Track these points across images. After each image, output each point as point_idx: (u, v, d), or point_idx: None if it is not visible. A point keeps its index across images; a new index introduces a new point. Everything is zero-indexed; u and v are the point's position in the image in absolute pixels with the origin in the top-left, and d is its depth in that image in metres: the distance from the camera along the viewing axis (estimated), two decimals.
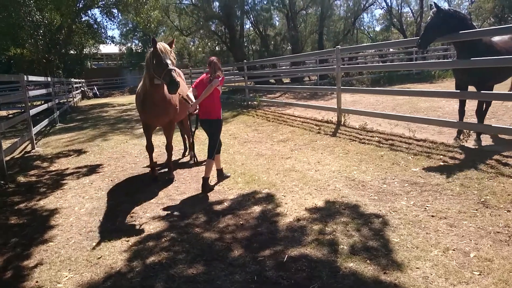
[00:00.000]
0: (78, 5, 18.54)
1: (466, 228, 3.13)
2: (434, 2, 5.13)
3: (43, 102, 16.20)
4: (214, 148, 4.78)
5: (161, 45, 4.56)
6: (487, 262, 2.63)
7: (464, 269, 2.59)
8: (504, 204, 3.47)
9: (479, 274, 2.51)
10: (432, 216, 3.40)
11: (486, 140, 5.50)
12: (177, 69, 4.75)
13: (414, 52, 17.75)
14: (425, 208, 3.57)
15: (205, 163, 4.91)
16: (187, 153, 6.77)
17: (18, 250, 3.51)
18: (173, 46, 4.78)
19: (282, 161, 5.71)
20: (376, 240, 3.07)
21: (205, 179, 4.74)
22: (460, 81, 5.57)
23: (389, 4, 37.11)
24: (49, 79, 13.18)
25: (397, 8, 38.19)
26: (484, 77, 5.16)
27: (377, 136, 6.41)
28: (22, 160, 7.37)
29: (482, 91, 5.18)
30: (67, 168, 6.51)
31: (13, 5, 13.78)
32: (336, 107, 7.89)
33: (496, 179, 4.03)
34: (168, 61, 4.42)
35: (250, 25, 29.25)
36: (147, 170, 5.93)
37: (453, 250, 2.82)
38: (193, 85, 4.97)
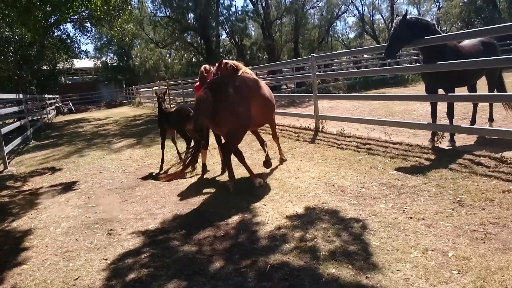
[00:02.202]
0: (49, 20, 18.22)
1: (443, 228, 3.18)
2: (396, 14, 5.30)
3: (15, 119, 15.76)
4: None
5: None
6: (465, 260, 2.68)
7: (443, 268, 2.63)
8: (478, 203, 3.55)
9: (458, 273, 2.55)
10: (411, 217, 3.45)
11: (460, 140, 5.64)
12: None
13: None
14: (404, 210, 3.63)
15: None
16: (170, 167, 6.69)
17: None
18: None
19: (261, 170, 5.70)
20: (357, 245, 3.09)
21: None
22: (429, 85, 5.74)
23: (361, 12, 38.11)
24: (21, 96, 12.85)
25: (369, 15, 39.24)
26: (450, 80, 5.33)
27: (354, 141, 6.50)
28: None
29: (451, 94, 5.35)
30: (42, 187, 6.32)
31: None
32: (313, 114, 7.97)
33: (470, 178, 4.13)
34: None
35: (226, 35, 29.48)
36: (126, 185, 5.82)
37: (432, 250, 2.87)
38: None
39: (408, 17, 5.30)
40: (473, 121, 6.28)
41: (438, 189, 4.00)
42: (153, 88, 23.09)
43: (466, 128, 5.48)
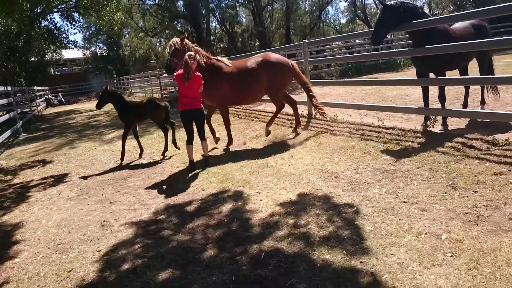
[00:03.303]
0: (36, 10, 17.84)
1: (436, 212, 3.19)
2: (379, 0, 5.28)
3: (4, 112, 15.53)
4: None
5: None
6: (458, 243, 2.69)
7: (436, 251, 2.64)
8: (471, 186, 3.56)
9: (451, 256, 2.57)
10: (404, 202, 3.46)
11: (452, 124, 5.65)
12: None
13: None
14: (397, 195, 3.63)
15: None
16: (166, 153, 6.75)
17: None
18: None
19: (255, 158, 5.67)
20: (351, 230, 3.09)
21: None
22: (419, 69, 5.73)
23: None
24: (9, 88, 12.62)
25: (360, 0, 38.88)
26: (439, 63, 5.31)
27: (347, 127, 6.48)
28: None
29: (442, 77, 5.34)
30: (33, 180, 6.25)
31: None
32: (306, 100, 7.91)
33: (462, 162, 4.14)
34: None
35: (217, 23, 29.15)
36: (118, 176, 5.78)
37: (425, 234, 2.88)
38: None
39: (390, 3, 5.29)
40: (465, 105, 6.29)
41: (431, 173, 4.00)
42: (143, 77, 22.85)
43: (458, 112, 5.48)
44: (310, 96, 6.83)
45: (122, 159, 6.64)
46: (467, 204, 3.24)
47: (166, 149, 6.70)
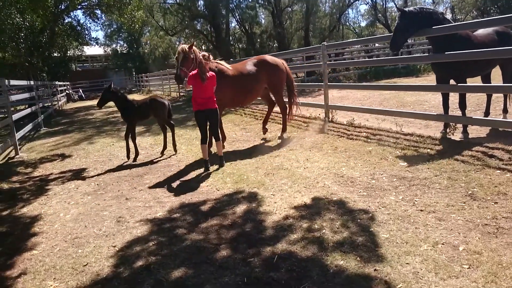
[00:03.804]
0: (60, 6, 18.25)
1: (454, 222, 3.13)
2: (397, 6, 5.24)
3: (27, 106, 15.92)
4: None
5: None
6: (476, 255, 2.63)
7: (453, 263, 2.58)
8: (491, 196, 3.48)
9: (469, 268, 2.51)
10: (421, 210, 3.40)
11: (473, 132, 5.53)
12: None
13: None
14: (414, 203, 3.57)
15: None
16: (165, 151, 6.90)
17: (0, 259, 3.41)
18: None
19: (270, 160, 5.67)
20: (365, 237, 3.05)
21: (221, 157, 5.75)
22: (439, 75, 5.63)
23: (374, 0, 37.36)
24: (32, 82, 12.93)
25: (381, 3, 38.48)
26: (460, 70, 5.21)
27: (364, 132, 6.42)
28: (5, 167, 7.20)
29: (462, 84, 5.24)
30: (52, 173, 6.39)
31: None
32: (323, 103, 7.88)
33: (482, 171, 4.05)
34: None
35: (236, 23, 29.24)
36: (135, 173, 5.86)
37: (442, 244, 2.82)
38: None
39: (409, 9, 5.25)
40: (487, 113, 6.15)
41: (449, 181, 3.93)
42: (162, 76, 23.10)
43: (479, 120, 5.35)
44: (292, 95, 7.17)
45: (128, 156, 6.71)
46: (486, 215, 3.16)
47: (165, 147, 6.88)
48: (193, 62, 5.73)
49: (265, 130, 7.27)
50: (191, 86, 5.51)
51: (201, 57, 5.49)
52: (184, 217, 3.91)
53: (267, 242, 3.18)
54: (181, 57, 5.73)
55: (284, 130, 7.14)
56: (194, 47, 5.88)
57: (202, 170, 5.56)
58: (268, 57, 7.02)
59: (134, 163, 6.49)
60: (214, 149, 6.37)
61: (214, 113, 5.58)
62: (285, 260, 2.86)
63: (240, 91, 6.47)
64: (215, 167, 5.61)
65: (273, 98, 7.27)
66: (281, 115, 7.28)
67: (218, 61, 6.54)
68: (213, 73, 5.58)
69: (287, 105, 7.21)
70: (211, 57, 5.98)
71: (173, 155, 6.74)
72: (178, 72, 5.72)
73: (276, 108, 7.41)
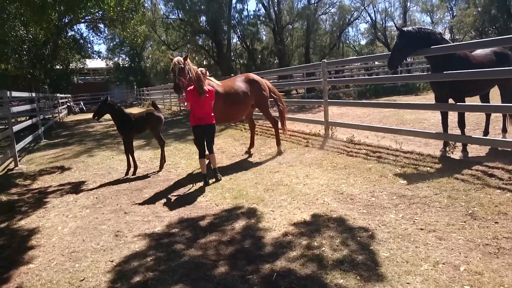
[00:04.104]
0: (63, 19, 18.47)
1: (455, 241, 3.11)
2: (396, 26, 5.33)
3: (28, 117, 15.96)
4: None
5: None
6: (478, 275, 2.61)
7: (454, 283, 2.56)
8: (491, 216, 3.47)
9: None
10: (421, 229, 3.39)
11: (472, 151, 5.55)
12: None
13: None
14: (414, 221, 3.56)
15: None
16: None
17: None
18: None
19: (270, 175, 5.66)
20: (365, 255, 3.03)
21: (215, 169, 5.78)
22: (438, 94, 5.68)
23: (374, 19, 37.94)
24: (33, 94, 13.00)
25: (381, 22, 39.02)
26: (458, 90, 5.26)
27: (364, 149, 6.43)
28: (4, 178, 7.18)
29: (460, 103, 5.28)
30: (51, 186, 6.36)
31: None
32: (323, 120, 7.92)
33: (483, 190, 4.05)
34: None
35: (237, 39, 29.54)
36: (134, 187, 5.84)
37: (443, 264, 2.80)
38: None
39: (407, 29, 5.33)
40: (486, 132, 6.18)
41: (449, 200, 3.92)
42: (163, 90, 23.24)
43: (478, 139, 5.37)
44: (280, 111, 7.46)
45: (128, 172, 6.65)
46: (487, 235, 3.15)
47: (162, 162, 6.85)
48: (189, 73, 5.93)
49: (249, 153, 7.44)
50: (189, 104, 5.62)
51: (199, 72, 5.58)
52: (183, 232, 3.88)
53: (266, 259, 3.15)
54: (177, 68, 5.91)
55: (278, 143, 7.21)
56: (188, 60, 6.09)
57: (201, 184, 5.55)
58: (254, 75, 7.31)
59: (133, 176, 6.48)
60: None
61: (212, 128, 5.73)
62: (284, 278, 2.83)
63: (230, 107, 6.61)
64: (213, 180, 5.60)
65: (252, 118, 7.65)
66: (289, 130, 7.39)
67: (209, 78, 6.62)
68: (212, 88, 5.67)
69: (277, 119, 7.38)
70: (207, 73, 6.07)
71: (172, 169, 6.72)
72: (177, 81, 5.91)
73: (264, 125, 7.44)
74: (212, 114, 5.69)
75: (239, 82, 6.90)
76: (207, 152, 5.82)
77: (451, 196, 4.01)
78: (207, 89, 5.57)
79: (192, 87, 5.57)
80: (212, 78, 6.75)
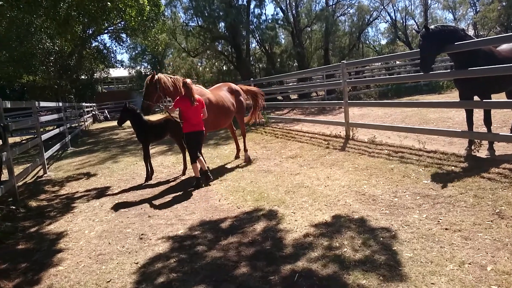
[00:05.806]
0: (87, 31, 19.04)
1: (481, 241, 3.03)
2: (418, 25, 5.21)
3: (55, 126, 16.48)
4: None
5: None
6: (505, 275, 2.54)
7: (481, 283, 2.50)
8: None
9: None
10: (446, 229, 3.32)
11: (499, 149, 5.39)
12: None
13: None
14: (439, 221, 3.49)
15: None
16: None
17: (28, 275, 3.51)
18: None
19: (291, 178, 5.66)
20: (388, 256, 2.99)
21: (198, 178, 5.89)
22: (462, 92, 5.54)
23: (394, 18, 37.30)
24: (60, 104, 13.44)
25: (401, 21, 38.32)
26: (484, 86, 5.11)
27: (386, 149, 6.34)
28: (34, 185, 7.45)
29: (487, 100, 5.13)
30: (77, 191, 6.56)
31: (25, 33, 14.21)
32: (344, 121, 7.85)
33: (510, 189, 3.92)
34: None
35: (256, 43, 29.60)
36: (157, 191, 5.95)
37: (469, 264, 2.73)
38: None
39: (431, 27, 5.20)
40: None
41: (475, 199, 3.82)
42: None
43: (506, 136, 5.21)
44: (256, 102, 8.11)
45: (147, 179, 6.72)
46: None
47: (185, 167, 6.94)
48: (159, 89, 6.29)
49: (238, 156, 7.81)
50: (173, 108, 5.96)
51: (188, 82, 5.87)
52: (205, 234, 3.93)
53: (287, 260, 3.16)
54: (143, 89, 6.36)
55: (245, 149, 7.52)
56: (156, 76, 6.36)
57: (222, 188, 5.60)
58: (232, 84, 7.77)
59: (155, 182, 6.59)
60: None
61: (203, 134, 6.07)
62: (306, 279, 2.83)
63: (220, 114, 6.92)
64: (237, 183, 5.64)
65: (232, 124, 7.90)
66: (303, 134, 7.37)
67: (197, 85, 7.03)
68: (200, 97, 6.01)
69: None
70: (192, 83, 6.25)
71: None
72: (144, 105, 6.45)
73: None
74: (201, 120, 5.98)
75: (225, 91, 7.30)
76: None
77: (477, 195, 3.90)
78: (197, 97, 5.87)
79: (182, 95, 5.87)
80: (200, 86, 7.19)
